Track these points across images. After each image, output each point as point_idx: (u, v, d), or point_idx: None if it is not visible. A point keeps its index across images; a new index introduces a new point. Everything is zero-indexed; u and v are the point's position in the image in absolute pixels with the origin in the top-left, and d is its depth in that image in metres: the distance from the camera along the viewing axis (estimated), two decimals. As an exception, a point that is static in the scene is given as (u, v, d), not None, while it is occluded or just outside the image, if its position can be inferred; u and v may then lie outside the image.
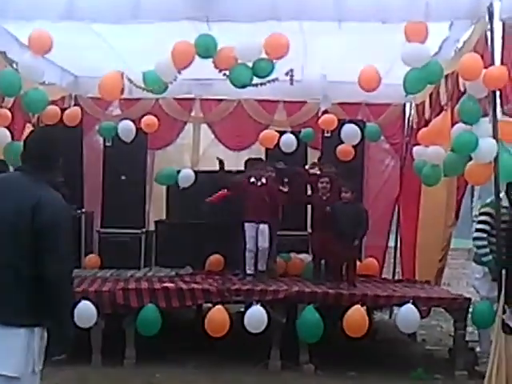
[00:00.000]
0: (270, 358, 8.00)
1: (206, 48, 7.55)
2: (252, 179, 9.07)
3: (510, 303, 6.40)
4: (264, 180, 9.05)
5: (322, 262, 9.13)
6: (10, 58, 8.45)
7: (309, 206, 10.10)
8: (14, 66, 8.25)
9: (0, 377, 3.69)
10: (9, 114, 8.39)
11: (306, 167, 10.22)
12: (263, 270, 8.93)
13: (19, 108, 8.61)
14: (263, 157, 10.54)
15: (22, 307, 3.70)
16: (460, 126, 7.40)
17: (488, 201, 7.98)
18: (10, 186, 3.86)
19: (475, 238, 7.90)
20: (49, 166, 3.93)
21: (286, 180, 9.62)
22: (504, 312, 6.45)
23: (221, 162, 9.44)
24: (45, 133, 4.30)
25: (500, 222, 7.24)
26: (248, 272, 8.90)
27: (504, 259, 6.95)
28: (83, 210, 10.41)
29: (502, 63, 7.20)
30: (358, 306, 7.80)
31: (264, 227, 8.94)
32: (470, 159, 7.19)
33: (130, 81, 8.69)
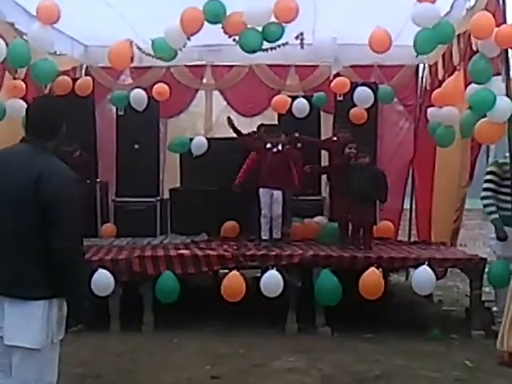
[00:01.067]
0: (286, 321, 8.06)
1: (215, 13, 7.52)
2: (268, 145, 9.05)
3: None
4: (280, 147, 9.02)
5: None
6: (19, 30, 8.44)
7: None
8: (24, 37, 8.23)
9: (20, 349, 3.71)
10: (23, 85, 8.40)
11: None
12: (278, 238, 8.94)
13: (30, 79, 8.62)
14: (276, 122, 10.49)
15: (36, 280, 3.69)
16: (474, 86, 7.34)
17: (495, 160, 8.03)
18: (14, 158, 3.81)
19: (482, 198, 7.97)
20: (51, 133, 3.87)
21: (299, 146, 9.64)
22: None
23: (229, 120, 9.51)
24: (45, 101, 4.22)
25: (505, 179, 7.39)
26: (263, 238, 8.92)
27: (509, 215, 7.04)
28: (98, 180, 10.45)
29: (514, 21, 7.13)
30: (373, 269, 7.82)
31: (278, 194, 8.92)
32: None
33: (140, 49, 8.68)
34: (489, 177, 7.91)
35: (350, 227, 9.10)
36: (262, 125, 10.27)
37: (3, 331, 3.73)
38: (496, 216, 7.76)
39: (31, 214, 3.66)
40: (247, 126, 11.15)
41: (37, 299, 3.69)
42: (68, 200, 3.74)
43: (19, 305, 3.69)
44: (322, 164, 10.46)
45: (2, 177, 3.75)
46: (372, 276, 7.79)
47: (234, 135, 9.96)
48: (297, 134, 9.65)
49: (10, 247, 3.70)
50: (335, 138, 9.90)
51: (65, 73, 9.79)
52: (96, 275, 7.72)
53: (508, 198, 7.60)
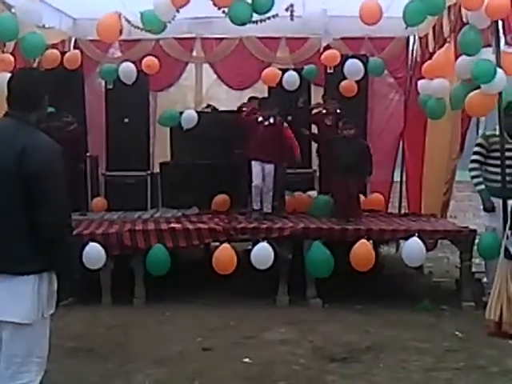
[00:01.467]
0: (277, 293, 8.10)
1: (205, -15, 7.46)
2: (260, 118, 9.03)
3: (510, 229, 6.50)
4: (272, 120, 9.00)
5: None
6: (7, 3, 8.36)
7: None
8: (12, 10, 8.15)
9: (10, 324, 3.69)
10: (11, 58, 8.31)
11: (310, 107, 10.24)
12: (269, 212, 8.96)
13: (19, 52, 8.54)
14: (266, 95, 10.46)
15: (25, 255, 3.66)
16: (464, 57, 7.33)
17: (483, 132, 8.08)
18: None
19: (469, 169, 7.95)
20: (33, 106, 3.80)
21: (289, 118, 9.62)
22: (507, 238, 6.53)
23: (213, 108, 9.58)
24: (25, 74, 4.11)
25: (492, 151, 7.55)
26: (254, 208, 8.92)
27: (497, 187, 7.10)
28: (88, 154, 10.41)
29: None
30: (363, 241, 7.85)
31: (270, 168, 8.93)
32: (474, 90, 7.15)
33: (128, 21, 8.62)
34: (476, 149, 7.85)
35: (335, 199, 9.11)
36: (252, 97, 10.24)
37: None
38: (482, 187, 7.75)
39: (16, 189, 3.62)
40: (237, 99, 11.14)
41: (26, 274, 3.67)
42: (52, 174, 3.69)
43: (8, 280, 3.67)
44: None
45: None
46: (362, 248, 7.83)
47: (225, 108, 9.93)
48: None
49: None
50: (324, 111, 9.89)
51: (53, 46, 9.72)
52: (87, 249, 7.73)
53: (496, 170, 7.57)
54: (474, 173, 7.82)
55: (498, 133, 7.49)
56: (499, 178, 7.48)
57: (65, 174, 3.79)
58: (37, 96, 3.84)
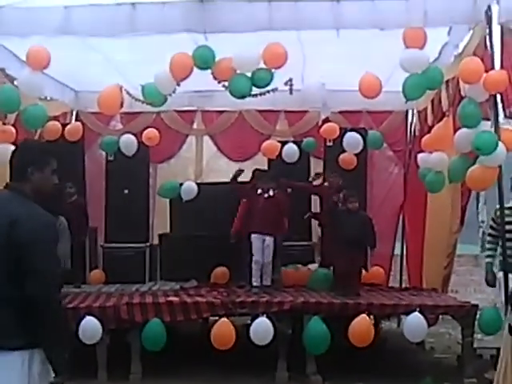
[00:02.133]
0: (277, 369, 7.94)
1: (204, 60, 7.53)
2: (259, 191, 9.05)
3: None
4: (271, 192, 9.02)
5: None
6: (10, 76, 8.46)
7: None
8: (15, 82, 8.24)
9: None
10: (13, 130, 8.36)
11: (310, 179, 10.26)
12: (268, 285, 8.87)
13: (20, 124, 8.60)
14: (266, 167, 10.49)
15: (12, 329, 3.49)
16: (463, 130, 7.35)
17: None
18: None
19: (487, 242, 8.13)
20: (22, 175, 3.69)
21: (289, 191, 9.63)
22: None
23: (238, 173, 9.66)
24: (21, 144, 4.07)
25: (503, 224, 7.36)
26: (254, 284, 8.85)
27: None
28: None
29: (501, 67, 7.16)
30: (363, 316, 7.73)
31: (270, 240, 8.92)
32: (473, 164, 7.14)
33: (129, 94, 8.68)
34: (490, 223, 7.96)
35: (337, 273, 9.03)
36: (256, 169, 10.25)
37: None
38: (489, 260, 7.82)
39: (5, 260, 3.49)
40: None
41: (14, 349, 3.49)
42: (43, 245, 3.54)
43: None
44: (312, 209, 10.44)
45: None
46: (362, 323, 7.70)
47: (225, 180, 9.93)
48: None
49: None
50: (326, 184, 9.91)
51: (55, 118, 9.80)
52: (83, 323, 7.61)
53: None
54: (487, 245, 7.98)
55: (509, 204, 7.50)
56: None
57: (55, 245, 3.69)
58: (24, 165, 3.70)
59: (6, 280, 3.51)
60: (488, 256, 7.85)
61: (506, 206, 7.40)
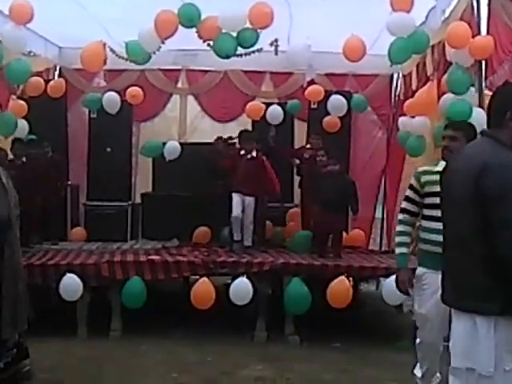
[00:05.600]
0: (255, 329, 8.01)
1: (190, 17, 7.48)
2: (242, 151, 9.04)
3: None
4: (254, 153, 9.01)
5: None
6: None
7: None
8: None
9: (468, 370, 3.26)
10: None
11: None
12: (249, 245, 8.92)
13: (3, 79, 8.50)
14: (250, 128, 10.45)
15: (482, 292, 3.20)
16: (448, 96, 7.34)
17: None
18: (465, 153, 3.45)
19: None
20: (499, 121, 3.32)
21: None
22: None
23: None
24: (500, 88, 3.73)
25: None
26: (235, 239, 8.89)
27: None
28: (69, 183, 10.34)
29: (487, 33, 7.15)
30: (342, 277, 7.79)
31: (250, 200, 8.92)
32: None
33: (113, 51, 8.60)
34: (407, 192, 5.35)
35: (317, 235, 9.07)
36: (242, 131, 10.20)
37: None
38: (402, 250, 5.25)
39: (472, 214, 3.20)
40: (221, 131, 11.12)
41: (482, 314, 3.21)
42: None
43: (464, 319, 3.31)
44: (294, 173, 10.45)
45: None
46: (341, 284, 7.77)
47: (208, 141, 9.92)
48: (273, 132, 9.70)
49: (455, 253, 3.34)
50: (308, 146, 9.91)
51: (38, 74, 9.67)
52: (64, 280, 7.64)
53: (435, 226, 4.75)
54: (398, 227, 5.32)
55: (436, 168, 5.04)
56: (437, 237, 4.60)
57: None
58: (505, 108, 3.33)
59: (474, 236, 3.24)
60: (400, 244, 5.25)
61: (431, 169, 5.15)
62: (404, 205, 5.31)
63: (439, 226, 3.73)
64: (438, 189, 3.73)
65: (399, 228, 5.30)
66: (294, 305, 7.81)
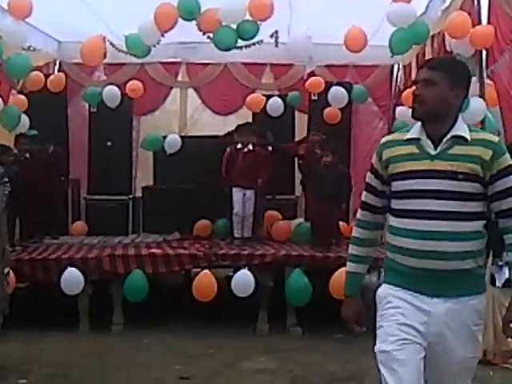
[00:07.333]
0: (257, 321, 8.01)
1: (190, 10, 7.47)
2: (239, 145, 9.03)
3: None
4: (251, 146, 9.00)
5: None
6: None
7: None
8: None
9: None
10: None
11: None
12: (249, 237, 8.92)
13: (3, 74, 8.49)
14: (250, 121, 10.42)
15: None
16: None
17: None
18: None
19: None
20: None
21: (270, 149, 9.61)
22: (492, 264, 6.40)
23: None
24: None
25: None
26: (236, 236, 8.89)
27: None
28: (69, 177, 10.33)
29: (488, 22, 7.13)
30: (344, 268, 7.75)
31: (250, 193, 8.91)
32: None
33: (113, 45, 8.59)
34: (367, 178, 3.46)
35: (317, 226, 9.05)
36: (239, 125, 10.19)
37: None
38: (352, 268, 3.66)
39: None
40: (221, 124, 11.12)
41: None
42: None
43: None
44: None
45: None
46: (342, 276, 7.71)
47: (209, 134, 9.90)
48: (270, 136, 9.64)
49: None
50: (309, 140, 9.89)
51: (38, 68, 9.65)
52: (66, 274, 7.63)
53: (408, 224, 3.25)
54: (353, 232, 3.63)
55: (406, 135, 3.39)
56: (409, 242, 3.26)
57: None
58: None
59: None
60: (351, 258, 3.62)
61: (400, 137, 3.28)
62: (363, 196, 3.48)
63: (414, 224, 3.05)
64: (411, 166, 3.04)
65: (353, 233, 3.57)
66: (296, 296, 7.81)
